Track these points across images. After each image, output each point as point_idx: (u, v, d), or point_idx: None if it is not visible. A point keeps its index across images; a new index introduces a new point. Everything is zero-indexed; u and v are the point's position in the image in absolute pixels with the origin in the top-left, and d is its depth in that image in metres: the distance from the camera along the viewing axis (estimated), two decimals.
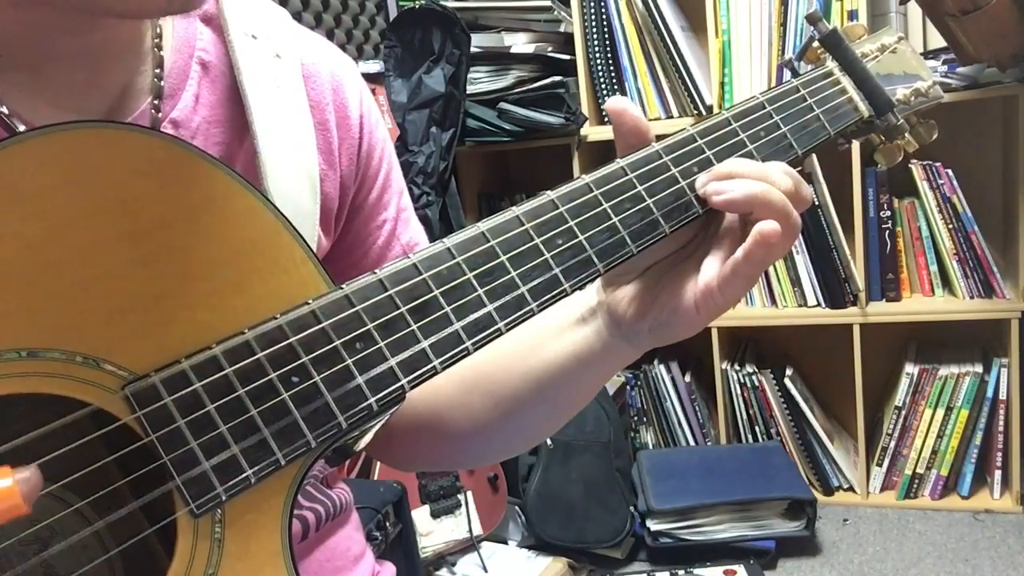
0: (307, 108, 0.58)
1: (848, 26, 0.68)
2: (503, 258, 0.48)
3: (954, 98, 2.08)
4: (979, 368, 2.21)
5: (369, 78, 2.11)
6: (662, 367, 2.48)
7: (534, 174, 2.63)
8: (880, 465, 2.34)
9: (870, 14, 2.18)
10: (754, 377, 2.38)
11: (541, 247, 0.49)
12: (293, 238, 0.45)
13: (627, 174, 0.53)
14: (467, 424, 0.65)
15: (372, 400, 0.43)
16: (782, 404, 2.37)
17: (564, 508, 2.14)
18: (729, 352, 2.45)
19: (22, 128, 0.46)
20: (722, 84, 2.28)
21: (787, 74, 0.68)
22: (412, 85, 2.24)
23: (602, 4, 2.33)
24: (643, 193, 0.52)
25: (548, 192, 0.52)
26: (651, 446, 2.55)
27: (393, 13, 2.58)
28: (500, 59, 2.32)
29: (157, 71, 0.52)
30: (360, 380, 0.43)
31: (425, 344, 0.44)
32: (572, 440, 2.20)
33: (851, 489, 2.39)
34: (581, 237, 0.50)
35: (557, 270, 0.49)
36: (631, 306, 0.56)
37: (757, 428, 2.42)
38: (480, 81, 2.32)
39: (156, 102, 0.52)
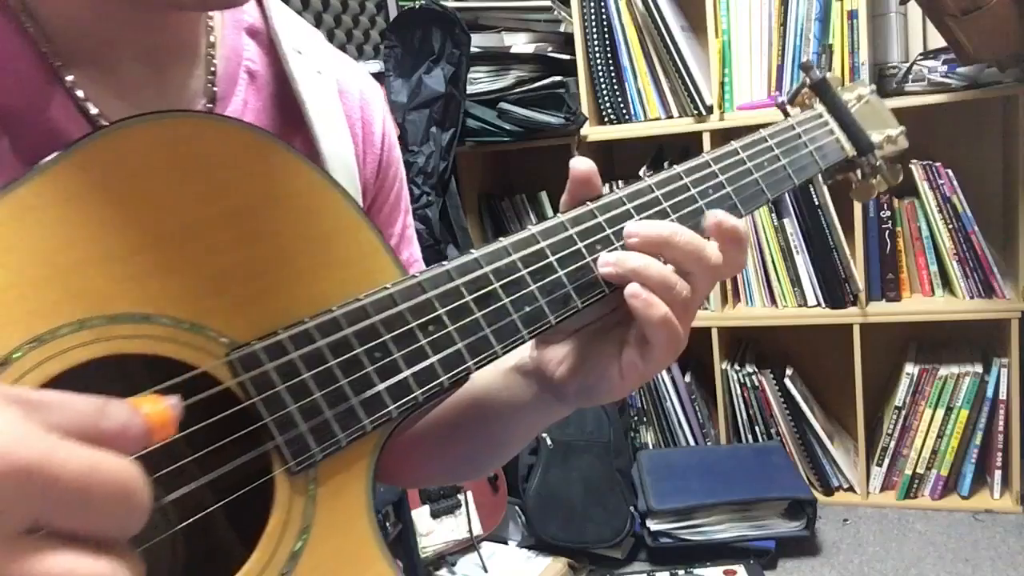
0: (345, 121, 0.62)
1: (829, 76, 0.74)
2: (551, 258, 0.52)
3: (954, 98, 2.08)
4: (979, 368, 2.21)
5: None
6: None
7: (534, 174, 2.63)
8: (880, 465, 2.34)
9: (870, 14, 2.18)
10: (754, 377, 2.38)
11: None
12: (370, 229, 0.49)
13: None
14: (407, 439, 0.66)
15: (444, 378, 0.47)
16: (782, 404, 2.37)
17: (564, 508, 2.14)
18: (729, 352, 2.45)
19: (96, 113, 0.49)
20: (722, 84, 2.28)
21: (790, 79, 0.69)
22: (412, 85, 2.24)
23: (602, 4, 2.33)
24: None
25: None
26: (651, 446, 2.55)
27: (393, 13, 2.58)
28: (500, 59, 2.32)
29: (210, 76, 0.56)
30: (434, 359, 0.47)
31: (488, 331, 0.49)
32: (572, 440, 2.20)
33: (851, 489, 2.39)
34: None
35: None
36: (559, 367, 0.57)
37: (757, 428, 2.42)
38: (480, 81, 2.32)
39: (209, 105, 0.55)
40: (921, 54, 2.18)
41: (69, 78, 0.48)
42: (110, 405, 0.32)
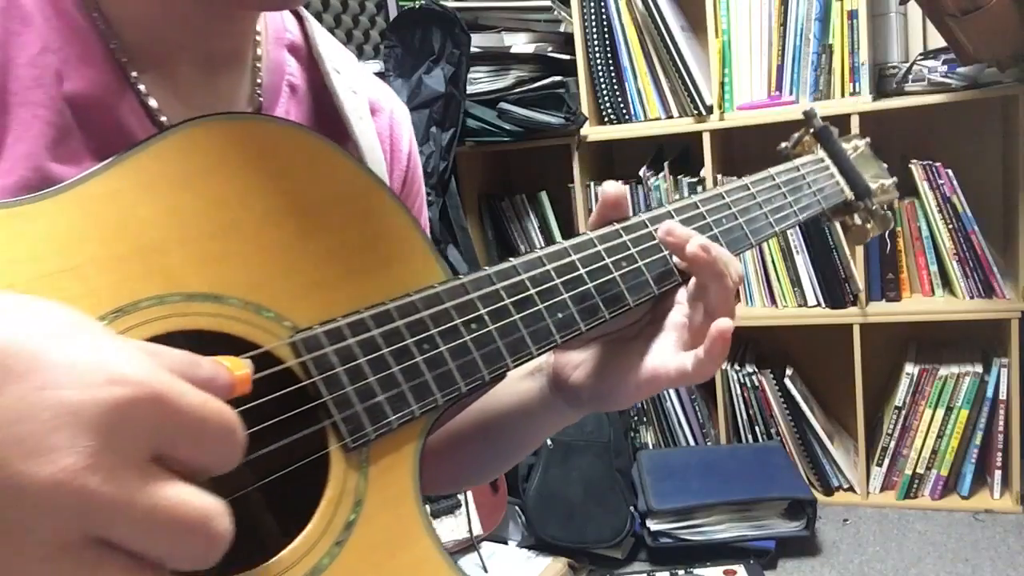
0: (377, 139, 0.65)
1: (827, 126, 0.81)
2: (582, 271, 0.57)
3: (954, 98, 2.08)
4: (979, 368, 2.21)
5: None
6: None
7: (534, 174, 2.63)
8: (880, 465, 2.34)
9: (870, 14, 2.18)
10: (754, 377, 2.38)
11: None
12: (419, 234, 0.53)
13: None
14: None
15: (485, 372, 0.51)
16: (782, 404, 2.37)
17: (564, 508, 2.14)
18: (729, 352, 2.45)
19: (164, 119, 0.52)
20: (722, 84, 2.28)
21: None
22: (412, 85, 2.24)
23: (602, 4, 2.33)
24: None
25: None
26: (651, 446, 2.55)
27: (393, 13, 2.58)
28: (500, 59, 2.32)
29: (256, 87, 0.59)
30: (476, 354, 0.51)
31: (524, 332, 0.53)
32: (572, 440, 2.20)
33: (851, 489, 2.39)
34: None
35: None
36: (576, 371, 0.62)
37: (757, 428, 2.42)
38: (480, 81, 2.32)
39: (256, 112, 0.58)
40: (921, 54, 2.18)
41: (133, 74, 0.50)
42: (199, 359, 0.35)
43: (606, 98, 2.39)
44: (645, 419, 2.56)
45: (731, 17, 2.25)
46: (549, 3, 2.31)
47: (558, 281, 0.55)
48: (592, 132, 2.37)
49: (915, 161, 2.17)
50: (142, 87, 0.51)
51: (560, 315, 0.55)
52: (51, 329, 0.31)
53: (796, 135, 0.80)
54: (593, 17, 2.35)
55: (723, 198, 0.65)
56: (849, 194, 0.77)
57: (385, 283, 0.50)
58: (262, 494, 0.46)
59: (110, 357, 0.30)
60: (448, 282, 0.51)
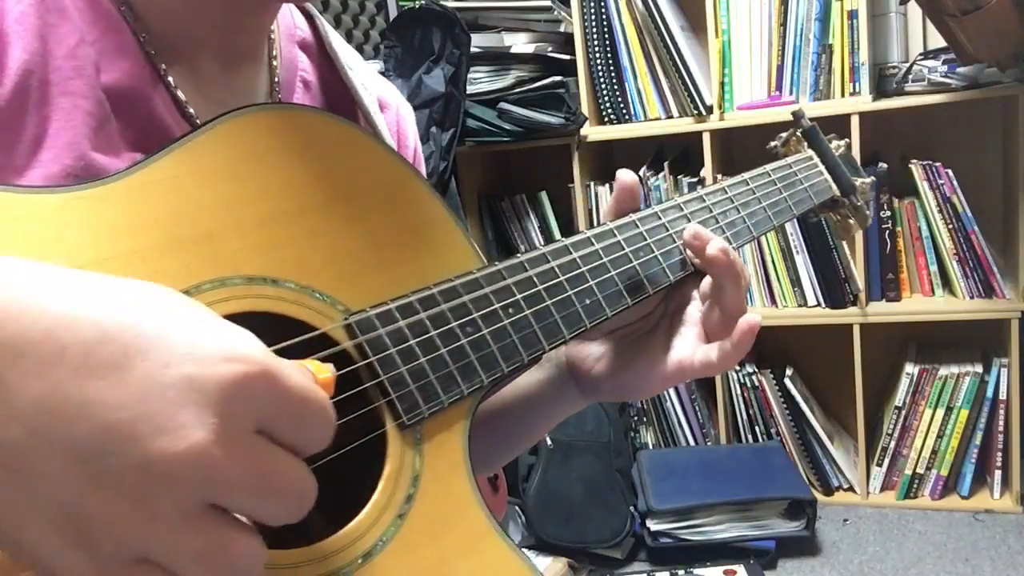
0: (388, 132, 0.67)
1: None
2: (604, 259, 0.60)
3: (954, 98, 2.08)
4: (979, 368, 2.21)
5: None
6: None
7: (534, 174, 2.63)
8: (880, 465, 2.34)
9: (870, 14, 2.18)
10: (754, 377, 2.38)
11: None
12: (455, 221, 0.55)
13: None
14: None
15: (524, 355, 0.53)
16: (782, 404, 2.37)
17: (564, 508, 2.14)
18: None
19: (192, 111, 0.53)
20: (722, 84, 2.28)
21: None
22: (412, 85, 2.24)
23: (602, 4, 2.33)
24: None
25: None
26: (651, 446, 2.55)
27: (393, 13, 2.58)
28: (500, 59, 2.32)
29: (273, 82, 0.60)
30: (515, 337, 0.53)
31: (557, 317, 0.55)
32: (572, 440, 2.20)
33: (851, 489, 2.39)
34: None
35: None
36: (597, 364, 0.64)
37: (757, 428, 2.42)
38: (480, 81, 2.32)
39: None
40: (921, 54, 2.18)
41: (163, 66, 0.52)
42: (284, 362, 0.36)
43: (606, 98, 2.39)
44: (645, 419, 2.56)
45: (731, 17, 2.25)
46: (549, 3, 2.31)
47: (584, 269, 0.58)
48: (592, 132, 2.37)
49: (915, 161, 2.17)
50: (171, 79, 0.52)
51: (588, 301, 0.57)
52: (167, 309, 0.32)
53: (785, 134, 0.83)
54: (593, 17, 2.35)
55: (725, 192, 0.69)
56: (836, 191, 0.80)
57: (427, 268, 0.52)
58: (318, 468, 0.47)
59: (225, 336, 0.32)
60: (486, 268, 0.53)
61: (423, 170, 0.73)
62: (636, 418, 2.57)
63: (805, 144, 0.82)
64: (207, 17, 0.53)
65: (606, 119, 2.41)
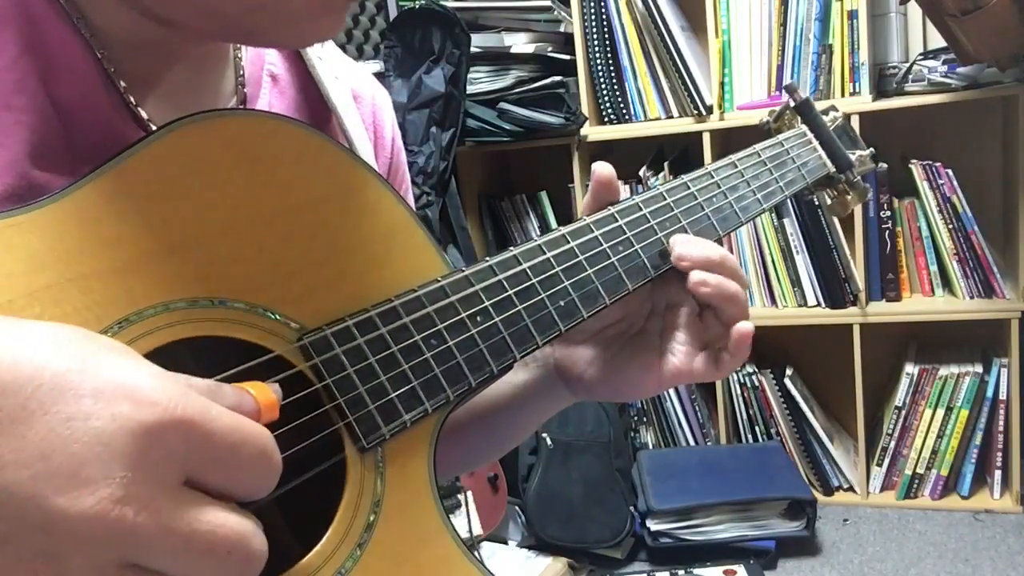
0: (362, 125, 0.64)
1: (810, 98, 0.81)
2: (581, 257, 0.57)
3: (954, 98, 2.08)
4: (979, 368, 2.21)
5: None
6: None
7: (534, 174, 2.62)
8: (880, 465, 2.34)
9: (870, 14, 2.18)
10: (754, 377, 2.38)
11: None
12: (418, 226, 0.52)
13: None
14: None
15: (493, 365, 0.51)
16: (782, 404, 2.37)
17: (564, 508, 2.14)
18: None
19: (150, 121, 0.51)
20: (722, 84, 2.28)
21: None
22: (412, 85, 2.24)
23: (602, 4, 2.33)
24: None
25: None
26: (651, 446, 2.55)
27: (393, 13, 2.58)
28: (500, 59, 2.32)
29: (239, 79, 0.58)
30: (483, 347, 0.50)
31: (528, 322, 0.53)
32: (572, 440, 2.20)
33: (851, 489, 2.39)
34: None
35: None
36: (589, 369, 0.62)
37: (757, 428, 2.42)
38: (480, 81, 2.32)
39: (240, 106, 0.57)
40: (921, 54, 2.18)
41: (123, 84, 0.50)
42: (222, 387, 0.34)
43: (606, 98, 2.39)
44: (645, 419, 2.56)
45: (731, 17, 2.25)
46: (549, 3, 2.31)
47: (558, 269, 0.55)
48: (592, 132, 2.37)
49: (915, 161, 2.17)
50: (131, 95, 0.50)
51: (562, 303, 0.55)
52: (70, 355, 0.30)
53: (778, 109, 0.80)
54: (593, 17, 2.35)
55: (712, 177, 0.66)
56: (831, 167, 0.77)
57: (388, 278, 0.49)
58: (274, 500, 0.45)
59: (135, 381, 0.30)
60: (451, 275, 0.51)
61: (402, 159, 0.71)
62: (636, 418, 2.57)
63: (799, 119, 0.79)
64: (169, 36, 0.50)
65: (606, 119, 2.41)
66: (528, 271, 0.54)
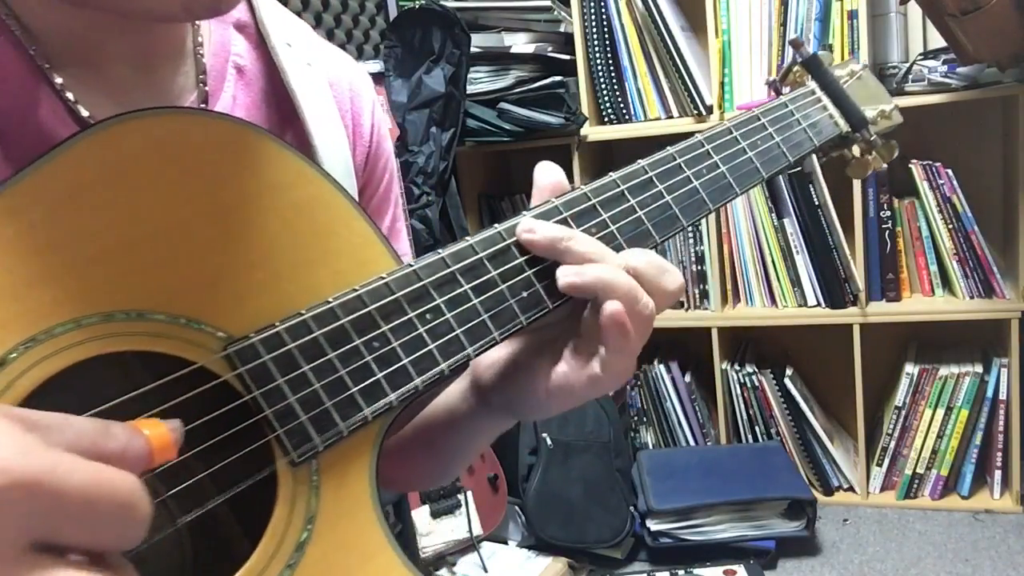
0: (337, 112, 0.61)
1: (820, 53, 0.74)
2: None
3: (954, 98, 2.08)
4: (979, 368, 2.21)
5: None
6: (662, 367, 2.48)
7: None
8: (880, 465, 2.34)
9: (870, 14, 2.18)
10: (754, 377, 2.38)
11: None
12: (363, 219, 0.49)
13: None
14: None
15: (443, 365, 0.47)
16: (782, 404, 2.37)
17: (564, 508, 2.14)
18: (729, 352, 2.45)
19: (87, 115, 0.49)
20: (722, 84, 2.28)
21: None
22: (412, 85, 2.24)
23: (602, 4, 2.33)
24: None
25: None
26: (651, 446, 2.55)
27: (393, 13, 2.58)
28: (500, 59, 2.32)
29: (202, 76, 0.55)
30: (432, 346, 0.47)
31: (485, 316, 0.49)
32: (572, 440, 2.20)
33: (851, 489, 2.39)
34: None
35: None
36: (488, 372, 0.56)
37: (757, 428, 2.42)
38: (480, 81, 2.32)
39: (201, 103, 0.55)
40: (921, 54, 2.18)
41: (59, 81, 0.48)
42: (112, 427, 0.33)
43: (606, 98, 2.39)
44: (645, 419, 2.56)
45: (731, 17, 2.25)
46: (549, 3, 2.31)
47: (522, 260, 0.51)
48: (592, 132, 2.37)
49: (915, 161, 2.17)
50: (70, 95, 0.48)
51: (525, 294, 0.50)
52: None
53: (785, 65, 0.74)
54: (593, 17, 2.35)
55: (703, 146, 0.60)
56: (844, 126, 0.71)
57: (329, 278, 0.46)
58: (229, 507, 0.43)
59: None
60: (398, 271, 0.48)
61: (386, 148, 0.68)
62: (636, 418, 2.57)
63: (808, 76, 0.72)
64: (103, 25, 0.49)
65: (606, 119, 2.41)
66: (487, 261, 0.50)
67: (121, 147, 0.41)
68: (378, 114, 0.67)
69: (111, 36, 0.50)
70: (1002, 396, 2.19)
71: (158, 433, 0.34)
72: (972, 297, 2.19)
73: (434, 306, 0.48)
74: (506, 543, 2.20)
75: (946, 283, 2.26)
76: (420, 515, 2.01)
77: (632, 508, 2.17)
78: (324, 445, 0.43)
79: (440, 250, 0.49)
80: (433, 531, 2.03)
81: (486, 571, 2.04)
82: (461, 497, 2.06)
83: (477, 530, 2.05)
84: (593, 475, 2.18)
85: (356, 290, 0.46)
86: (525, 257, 0.51)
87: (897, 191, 2.24)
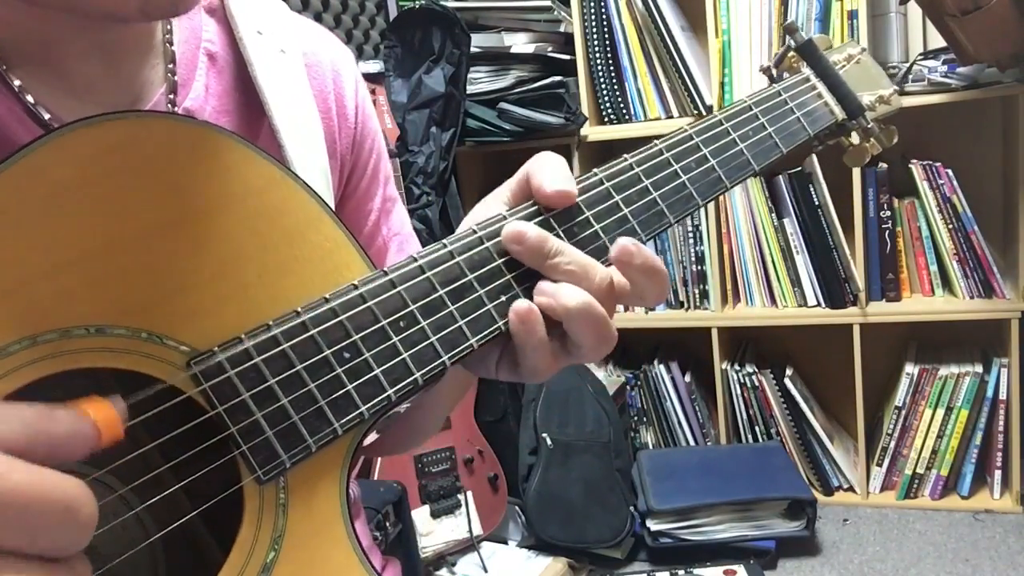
0: (312, 100, 0.60)
1: (816, 37, 0.72)
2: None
3: (954, 98, 2.08)
4: (979, 368, 2.21)
5: (369, 78, 2.11)
6: (662, 367, 2.48)
7: None
8: (880, 465, 2.34)
9: (870, 14, 2.18)
10: (754, 377, 2.38)
11: None
12: (334, 223, 0.47)
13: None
14: None
15: (417, 375, 0.46)
16: (782, 404, 2.37)
17: (564, 508, 2.14)
18: (729, 352, 2.45)
19: (48, 117, 0.47)
20: (722, 84, 2.28)
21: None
22: (412, 85, 2.24)
23: (602, 4, 2.33)
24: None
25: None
26: (651, 446, 2.55)
27: (393, 13, 2.58)
28: (500, 59, 2.32)
29: (171, 66, 0.54)
30: (406, 355, 0.46)
31: (462, 323, 0.47)
32: (572, 440, 2.20)
33: (851, 489, 2.39)
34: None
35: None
36: None
37: (757, 428, 2.42)
38: (480, 81, 2.32)
39: (170, 94, 0.53)
40: (921, 54, 2.18)
41: (17, 83, 0.46)
42: (56, 410, 0.33)
43: (606, 98, 2.39)
44: (645, 419, 2.56)
45: (731, 17, 2.25)
46: (549, 3, 2.31)
47: (500, 262, 0.50)
48: (592, 132, 2.37)
49: (915, 161, 2.17)
50: (29, 96, 0.47)
51: (504, 297, 0.49)
52: None
53: (779, 52, 0.72)
54: (593, 17, 2.35)
55: (692, 139, 0.58)
56: (840, 114, 0.70)
57: (298, 286, 0.45)
58: (202, 519, 0.42)
59: None
60: (370, 279, 0.46)
61: (370, 127, 0.66)
62: (636, 418, 2.57)
63: (804, 63, 0.71)
64: (59, 22, 0.47)
65: (606, 119, 2.41)
66: (463, 265, 0.48)
67: (78, 154, 0.39)
68: (362, 92, 0.66)
69: (72, 33, 0.48)
70: (1002, 396, 2.19)
71: (103, 413, 0.34)
72: (972, 297, 2.19)
73: (408, 313, 0.46)
74: (506, 543, 2.20)
75: (946, 283, 2.26)
76: (420, 515, 2.01)
77: (632, 508, 2.17)
78: (291, 461, 0.42)
79: (415, 256, 0.48)
80: (433, 531, 2.03)
81: (486, 571, 2.04)
82: (461, 497, 2.06)
83: (477, 530, 2.05)
84: (593, 475, 2.18)
85: (327, 299, 0.44)
86: (503, 259, 0.50)
87: (897, 191, 2.24)
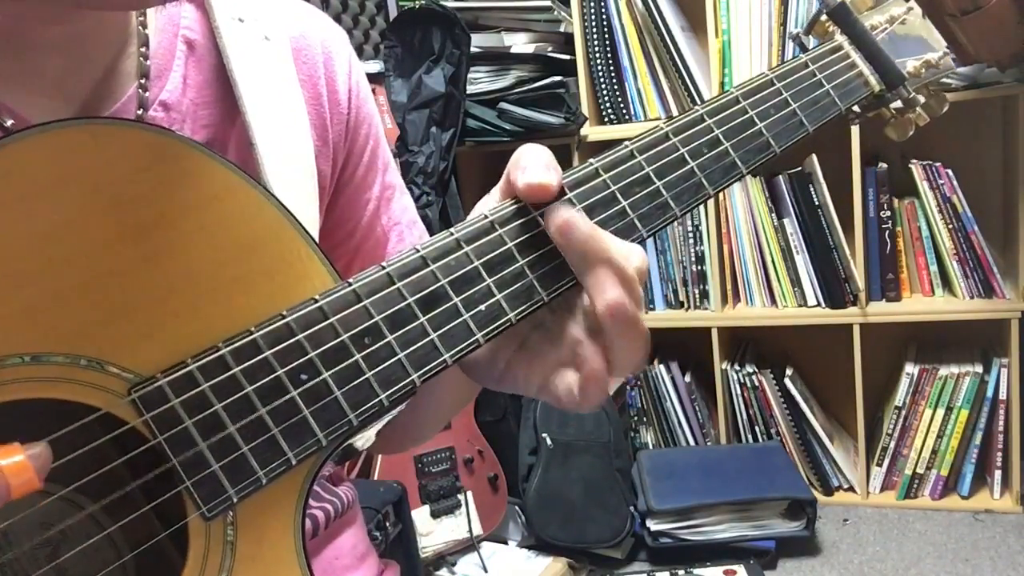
0: (298, 88, 0.57)
1: (850, 0, 0.65)
2: (510, 244, 0.46)
3: (954, 98, 2.08)
4: (979, 368, 2.21)
5: (369, 78, 2.10)
6: (662, 367, 2.48)
7: None
8: (880, 465, 2.34)
9: None
10: (754, 377, 2.38)
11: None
12: (297, 232, 0.43)
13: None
14: None
15: (383, 396, 0.42)
16: (782, 404, 2.37)
17: (564, 508, 2.14)
18: (729, 352, 2.45)
19: (9, 121, 0.45)
20: (722, 84, 2.28)
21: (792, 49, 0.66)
22: (412, 85, 2.24)
23: (602, 4, 2.33)
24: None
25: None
26: (651, 446, 2.55)
27: (393, 13, 2.58)
28: (500, 59, 2.31)
29: (143, 50, 0.51)
30: (369, 375, 0.42)
31: (434, 336, 0.43)
32: (572, 440, 2.20)
33: (851, 489, 2.39)
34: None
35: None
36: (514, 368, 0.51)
37: (757, 428, 2.42)
38: (480, 81, 2.32)
39: (144, 83, 0.51)
40: None
41: None
42: None
43: (606, 98, 2.39)
44: (645, 419, 2.56)
45: (731, 17, 2.25)
46: (549, 3, 2.31)
47: (478, 263, 0.45)
48: (592, 132, 2.37)
49: (915, 161, 2.17)
50: None
51: (483, 307, 0.45)
52: None
53: (812, 17, 0.66)
54: (593, 17, 2.35)
55: (703, 120, 0.52)
56: (876, 84, 0.63)
57: (256, 302, 0.41)
58: (172, 542, 0.40)
59: None
60: (332, 291, 0.42)
61: (366, 111, 0.63)
62: (636, 418, 2.57)
63: (838, 30, 0.63)
64: (29, 18, 0.44)
65: (606, 119, 2.41)
66: (437, 272, 0.44)
67: (18, 168, 0.36)
68: (355, 76, 0.62)
69: (37, 26, 0.45)
70: (1002, 396, 2.19)
71: (13, 464, 0.31)
72: (972, 297, 2.19)
73: (372, 327, 0.42)
74: (506, 543, 2.20)
75: (946, 283, 2.26)
76: (420, 515, 2.01)
77: (632, 508, 2.17)
78: (239, 496, 0.39)
79: (384, 263, 0.44)
80: (433, 531, 2.03)
81: (486, 571, 2.04)
82: (461, 497, 2.06)
83: (477, 530, 2.05)
84: (593, 475, 2.18)
85: (283, 316, 0.41)
86: (481, 261, 0.46)
87: (897, 191, 2.24)
